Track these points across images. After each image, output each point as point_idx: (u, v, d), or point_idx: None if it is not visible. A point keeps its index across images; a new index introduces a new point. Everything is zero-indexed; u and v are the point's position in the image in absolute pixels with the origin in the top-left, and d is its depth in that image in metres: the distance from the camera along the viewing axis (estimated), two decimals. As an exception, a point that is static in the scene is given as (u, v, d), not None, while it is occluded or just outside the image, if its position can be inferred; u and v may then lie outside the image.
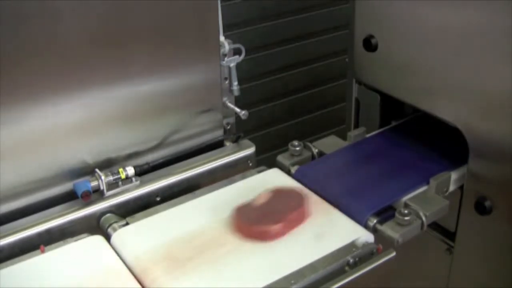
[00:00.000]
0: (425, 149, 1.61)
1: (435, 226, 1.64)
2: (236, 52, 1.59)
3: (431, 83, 1.51)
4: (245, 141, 1.64)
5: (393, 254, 1.25)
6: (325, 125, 2.60)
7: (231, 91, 1.63)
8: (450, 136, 1.53)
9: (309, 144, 1.60)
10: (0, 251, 1.25)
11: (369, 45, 1.63)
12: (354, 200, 1.38)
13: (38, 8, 1.22)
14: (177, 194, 1.46)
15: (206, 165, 1.54)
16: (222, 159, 1.57)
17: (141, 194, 1.44)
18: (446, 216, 1.42)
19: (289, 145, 1.57)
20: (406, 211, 1.31)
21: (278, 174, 1.52)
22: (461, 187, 1.54)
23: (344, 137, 1.67)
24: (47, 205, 1.36)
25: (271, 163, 1.56)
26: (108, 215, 1.38)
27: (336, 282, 1.17)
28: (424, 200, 1.40)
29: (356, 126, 1.82)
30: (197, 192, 1.46)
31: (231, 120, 1.67)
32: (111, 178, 1.40)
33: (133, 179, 1.43)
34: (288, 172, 1.52)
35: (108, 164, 1.44)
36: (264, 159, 1.64)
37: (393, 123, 1.77)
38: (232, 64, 1.59)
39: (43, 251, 1.25)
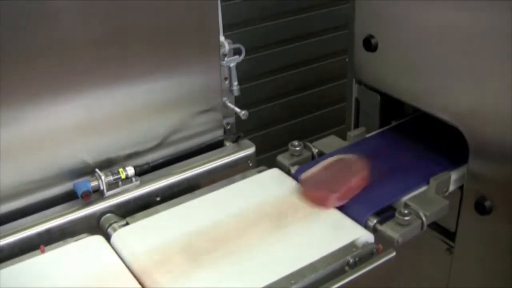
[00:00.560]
0: (425, 149, 1.61)
1: (435, 226, 1.64)
2: (236, 52, 1.59)
3: (431, 83, 1.51)
4: (245, 141, 1.64)
5: (393, 254, 1.25)
6: (325, 125, 2.60)
7: (231, 91, 1.63)
8: (450, 136, 1.53)
9: (309, 144, 1.60)
10: (0, 251, 1.25)
11: (369, 45, 1.63)
12: (354, 200, 1.38)
13: (39, 8, 1.22)
14: (177, 194, 1.46)
15: (206, 165, 1.54)
16: (222, 159, 1.57)
17: (141, 194, 1.44)
18: (446, 216, 1.42)
19: (289, 145, 1.57)
20: (406, 211, 1.31)
21: (278, 174, 1.52)
22: (461, 187, 1.54)
23: (344, 137, 1.67)
24: (47, 205, 1.36)
25: (271, 163, 1.56)
26: (108, 215, 1.38)
27: (336, 282, 1.17)
28: (424, 200, 1.40)
29: (356, 126, 1.82)
30: (197, 192, 1.45)
31: (231, 120, 1.67)
32: (111, 178, 1.40)
33: (133, 179, 1.43)
34: (288, 172, 1.52)
35: (108, 164, 1.44)
36: (264, 159, 1.64)
37: (393, 123, 1.77)
38: (232, 64, 1.59)
39: (43, 251, 1.25)
